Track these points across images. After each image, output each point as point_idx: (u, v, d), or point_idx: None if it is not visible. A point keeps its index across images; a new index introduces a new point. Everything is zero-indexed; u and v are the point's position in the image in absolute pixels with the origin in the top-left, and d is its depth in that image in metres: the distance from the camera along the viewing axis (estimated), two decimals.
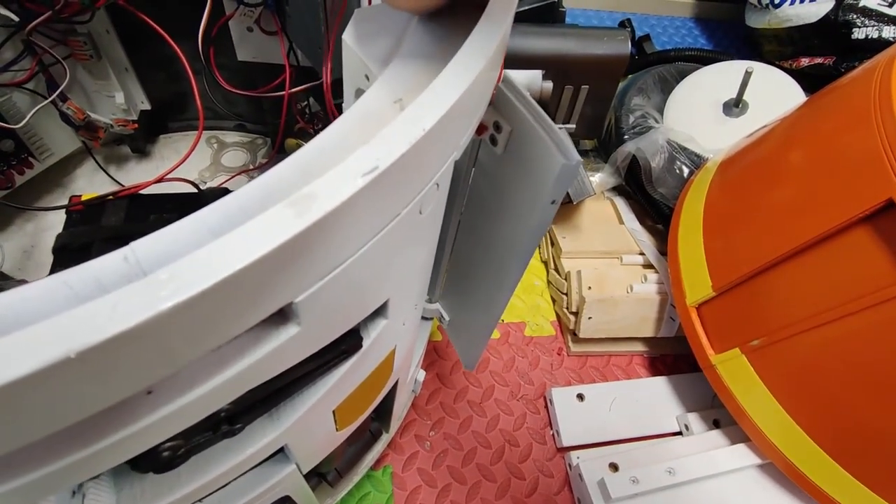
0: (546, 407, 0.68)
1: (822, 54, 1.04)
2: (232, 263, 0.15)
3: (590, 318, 0.69)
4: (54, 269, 0.50)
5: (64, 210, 0.54)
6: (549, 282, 0.80)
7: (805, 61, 1.06)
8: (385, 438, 0.54)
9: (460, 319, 0.47)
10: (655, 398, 0.68)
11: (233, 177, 0.73)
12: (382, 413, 0.50)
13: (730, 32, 1.36)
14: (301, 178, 0.19)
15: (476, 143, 0.33)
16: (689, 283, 0.64)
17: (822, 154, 0.52)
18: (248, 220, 0.16)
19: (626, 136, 0.80)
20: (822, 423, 0.51)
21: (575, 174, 0.27)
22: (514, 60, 0.52)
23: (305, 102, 0.64)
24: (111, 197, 0.55)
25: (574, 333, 0.72)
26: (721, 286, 0.59)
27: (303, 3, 0.46)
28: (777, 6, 1.07)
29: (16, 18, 0.48)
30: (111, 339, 0.13)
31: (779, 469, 0.57)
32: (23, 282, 0.50)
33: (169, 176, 0.58)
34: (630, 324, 0.71)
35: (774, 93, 0.82)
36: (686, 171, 0.76)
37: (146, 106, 0.70)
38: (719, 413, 0.65)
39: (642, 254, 0.76)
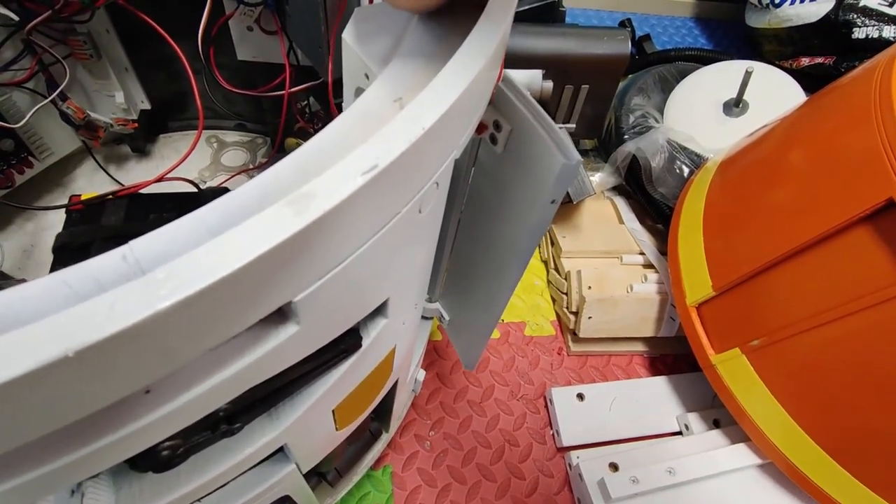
0: (546, 407, 0.68)
1: (823, 54, 1.04)
2: (230, 262, 0.15)
3: (590, 317, 0.69)
4: (54, 268, 0.50)
5: (64, 209, 0.54)
6: (549, 281, 0.80)
7: (805, 61, 1.06)
8: (385, 438, 0.54)
9: (460, 319, 0.47)
10: (655, 398, 0.68)
11: (233, 176, 0.73)
12: (382, 413, 0.50)
13: (730, 32, 1.36)
14: (300, 176, 0.19)
15: (476, 142, 0.33)
16: (690, 283, 0.64)
17: (823, 154, 0.52)
18: (247, 219, 0.16)
19: (626, 136, 0.80)
20: (822, 423, 0.51)
21: (575, 173, 0.27)
22: (514, 60, 0.52)
23: (305, 102, 0.64)
24: (111, 196, 0.55)
25: (574, 333, 0.72)
26: (721, 286, 0.59)
27: (303, 3, 0.46)
28: (777, 6, 1.07)
29: (16, 18, 0.48)
30: (109, 337, 0.13)
31: (779, 469, 0.57)
32: (22, 281, 0.49)
33: (169, 175, 0.58)
34: (630, 323, 0.71)
35: (775, 93, 0.82)
36: (686, 170, 0.76)
37: (146, 105, 0.70)
38: (719, 413, 0.65)
39: (642, 253, 0.76)
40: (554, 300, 0.79)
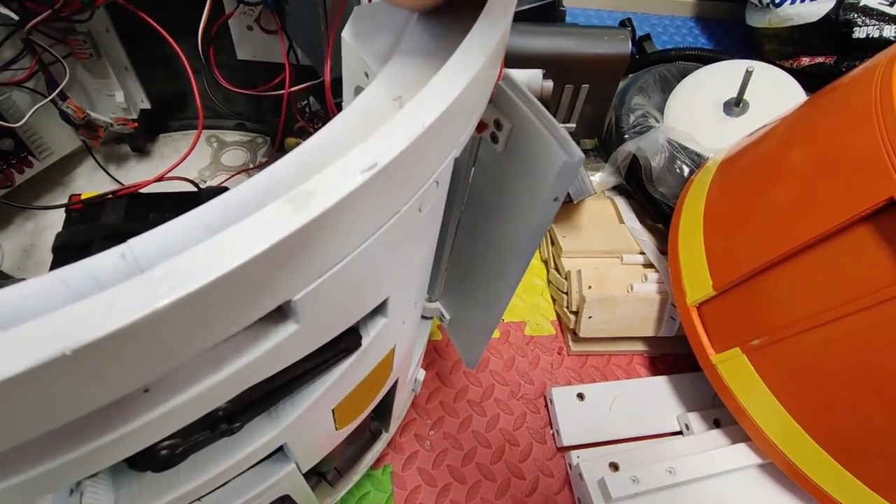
0: (546, 406, 0.68)
1: (823, 53, 1.04)
2: (229, 260, 0.15)
3: (590, 317, 0.69)
4: (54, 267, 0.50)
5: (64, 209, 0.54)
6: (549, 281, 0.80)
7: (806, 60, 1.06)
8: (385, 438, 0.54)
9: (461, 319, 0.46)
10: (656, 398, 0.68)
11: (232, 176, 0.73)
12: (382, 412, 0.50)
13: (730, 32, 1.36)
14: (300, 174, 0.19)
15: (476, 140, 0.33)
16: (690, 283, 0.64)
17: (823, 153, 0.52)
18: (246, 217, 0.16)
19: (626, 136, 0.80)
20: (822, 423, 0.51)
21: (577, 171, 0.27)
22: (514, 59, 0.52)
23: (305, 101, 0.64)
24: (111, 196, 0.55)
25: (574, 333, 0.72)
26: (721, 285, 0.59)
27: (302, 2, 0.46)
28: (778, 5, 1.07)
29: (15, 17, 0.48)
30: (107, 336, 0.13)
31: (779, 469, 0.57)
32: (22, 280, 0.49)
33: (169, 175, 0.58)
34: (630, 323, 0.71)
35: (775, 92, 0.82)
36: (686, 170, 0.76)
37: (146, 105, 0.70)
38: (720, 412, 0.65)
39: (643, 253, 0.76)
40: (554, 300, 0.78)
